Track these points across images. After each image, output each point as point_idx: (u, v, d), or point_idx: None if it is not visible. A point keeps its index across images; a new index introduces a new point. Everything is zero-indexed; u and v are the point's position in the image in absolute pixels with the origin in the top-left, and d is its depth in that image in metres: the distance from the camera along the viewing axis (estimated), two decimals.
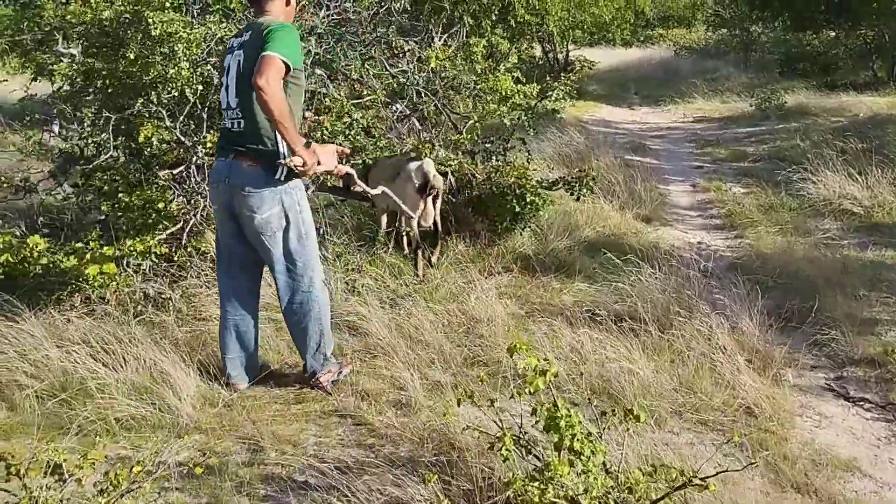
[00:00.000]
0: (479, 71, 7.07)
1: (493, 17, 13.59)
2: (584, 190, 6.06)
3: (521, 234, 5.99)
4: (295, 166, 3.64)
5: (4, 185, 5.54)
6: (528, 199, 5.74)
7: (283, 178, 3.72)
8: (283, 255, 3.86)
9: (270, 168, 3.70)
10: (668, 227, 7.29)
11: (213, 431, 3.68)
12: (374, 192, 4.67)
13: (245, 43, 3.72)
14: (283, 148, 3.66)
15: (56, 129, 7.28)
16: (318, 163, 3.74)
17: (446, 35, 10.38)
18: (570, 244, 6.09)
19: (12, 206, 6.06)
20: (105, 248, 4.77)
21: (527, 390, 2.78)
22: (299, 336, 4.04)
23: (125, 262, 4.81)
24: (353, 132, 5.19)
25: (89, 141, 5.90)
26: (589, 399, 3.27)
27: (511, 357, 2.87)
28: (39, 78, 6.39)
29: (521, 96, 7.79)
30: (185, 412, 3.77)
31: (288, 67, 3.50)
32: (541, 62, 21.35)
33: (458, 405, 2.94)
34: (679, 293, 4.96)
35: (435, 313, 4.80)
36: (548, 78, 16.00)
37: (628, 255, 5.55)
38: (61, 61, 5.66)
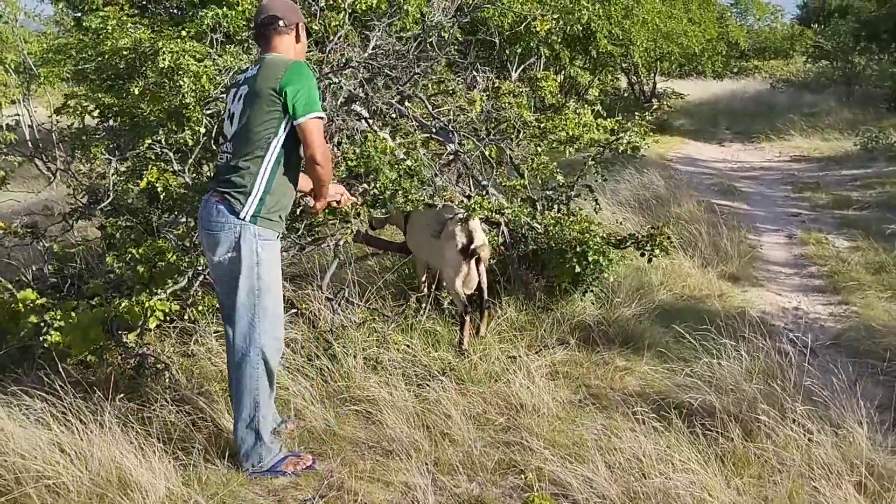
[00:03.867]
0: (547, 106, 6.30)
1: (573, 48, 12.84)
2: (658, 250, 5.18)
3: (581, 299, 5.16)
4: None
5: (9, 232, 5.05)
6: (590, 259, 4.91)
7: (247, 218, 3.38)
8: (232, 305, 3.46)
9: (235, 204, 3.39)
10: (758, 289, 6.34)
11: None
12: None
13: (249, 79, 3.47)
14: (257, 187, 3.40)
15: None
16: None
17: (521, 68, 9.64)
18: (639, 310, 5.22)
19: (26, 252, 5.59)
20: (95, 310, 4.19)
21: None
22: (234, 398, 3.58)
23: (115, 328, 4.21)
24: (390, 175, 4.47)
25: (107, 182, 5.42)
26: None
27: None
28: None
29: (601, 130, 7.01)
30: None
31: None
32: (626, 94, 20.45)
33: None
34: (769, 383, 4.04)
35: (469, 399, 4.02)
36: (636, 115, 15.11)
37: (709, 324, 4.67)
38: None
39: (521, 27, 5.76)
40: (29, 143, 10.31)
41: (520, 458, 3.60)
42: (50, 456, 3.38)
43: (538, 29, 5.60)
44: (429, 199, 4.61)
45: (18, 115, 8.58)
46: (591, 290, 5.18)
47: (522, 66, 10.13)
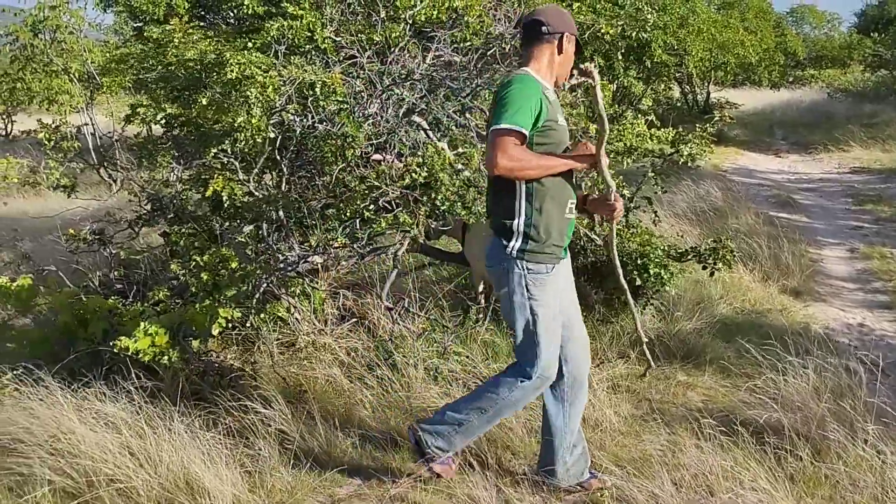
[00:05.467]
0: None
1: (628, 57, 12.73)
2: (721, 264, 5.10)
3: (641, 312, 5.10)
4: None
5: (78, 238, 5.18)
6: (651, 272, 4.86)
7: (514, 253, 3.19)
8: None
9: (503, 238, 3.23)
10: (821, 304, 6.20)
11: None
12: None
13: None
14: (520, 217, 3.17)
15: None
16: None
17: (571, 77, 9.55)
18: (700, 324, 5.15)
19: (93, 258, 5.73)
20: (163, 316, 4.28)
21: None
22: (479, 390, 3.46)
23: (181, 333, 4.28)
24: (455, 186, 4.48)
25: (172, 190, 5.53)
26: None
27: None
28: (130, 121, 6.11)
29: (655, 141, 6.94)
30: None
31: (520, 133, 3.03)
32: (678, 104, 20.23)
33: None
34: (838, 402, 3.94)
35: (529, 412, 4.00)
36: (697, 127, 14.93)
37: (771, 339, 4.58)
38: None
39: (586, 34, 5.69)
40: (91, 150, 10.56)
41: None
42: (121, 460, 3.44)
43: (604, 32, 5.54)
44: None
45: (86, 123, 8.82)
46: (652, 304, 5.12)
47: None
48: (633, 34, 6.26)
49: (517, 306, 3.22)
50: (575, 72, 3.16)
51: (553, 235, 3.19)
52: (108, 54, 10.97)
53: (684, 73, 16.25)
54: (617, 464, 3.59)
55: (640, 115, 9.24)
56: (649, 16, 6.16)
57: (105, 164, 10.16)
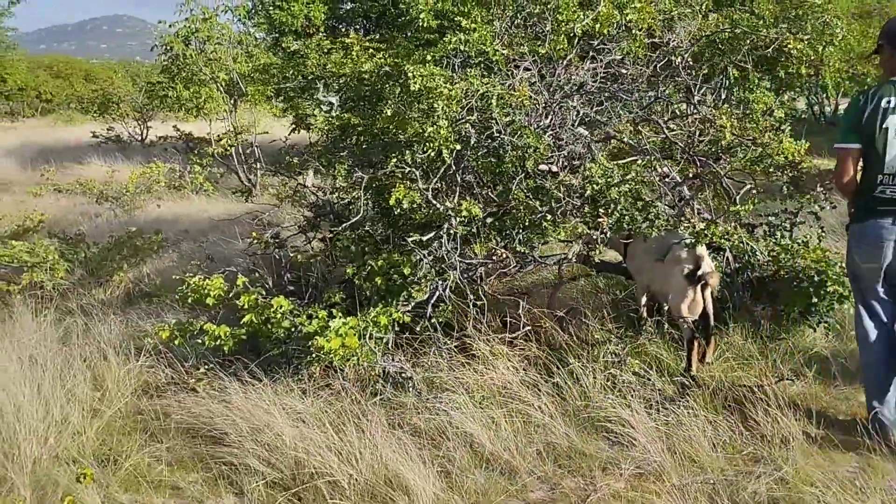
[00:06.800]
0: (761, 131, 6.14)
1: (759, 67, 12.43)
2: None
3: (813, 329, 4.99)
4: None
5: (256, 241, 5.44)
6: (829, 289, 4.76)
7: None
8: None
9: None
10: None
11: None
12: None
13: None
14: None
15: (310, 180, 7.27)
16: None
17: (703, 88, 9.46)
18: None
19: (263, 259, 5.99)
20: (349, 319, 4.45)
21: None
22: None
23: (367, 335, 4.44)
24: (624, 202, 4.50)
25: (340, 196, 5.74)
26: None
27: None
28: (298, 129, 6.38)
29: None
30: None
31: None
32: (803, 116, 19.59)
33: None
34: None
35: (713, 426, 3.98)
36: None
37: None
38: (321, 110, 5.53)
39: (770, 50, 5.62)
40: (233, 156, 10.99)
41: (777, 489, 3.53)
42: (326, 455, 3.61)
43: (791, 47, 5.46)
44: (666, 224, 4.58)
45: (246, 131, 9.21)
46: (825, 321, 5.00)
47: (704, 88, 9.93)
48: (821, 49, 6.13)
49: None
50: None
51: None
52: (251, 65, 11.45)
53: (815, 84, 15.72)
54: (811, 484, 3.54)
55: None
56: (837, 30, 6.02)
57: (246, 168, 10.62)
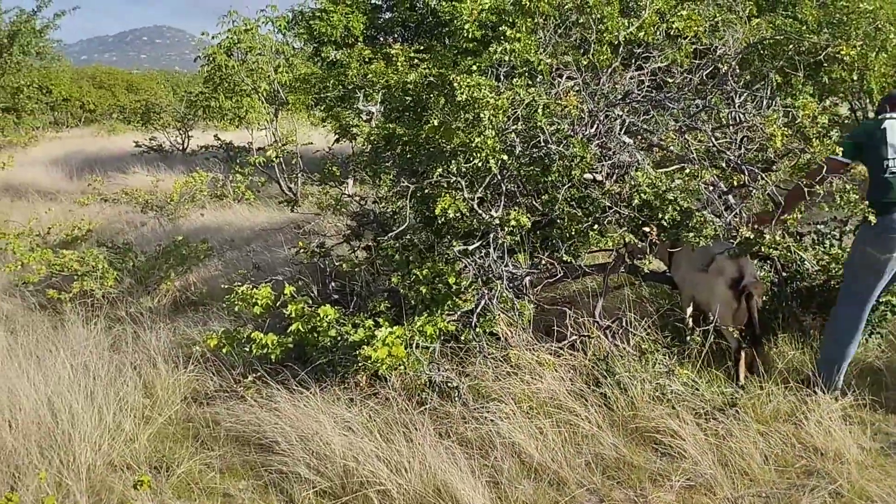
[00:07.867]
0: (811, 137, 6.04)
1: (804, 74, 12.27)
2: None
3: (865, 340, 4.91)
4: None
5: (303, 251, 5.49)
6: (881, 300, 4.68)
7: None
8: None
9: None
10: None
11: None
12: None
13: None
14: None
15: (350, 189, 7.32)
16: None
17: (745, 94, 9.39)
18: None
19: (307, 268, 6.05)
20: (395, 328, 4.47)
21: None
22: None
23: (413, 344, 4.46)
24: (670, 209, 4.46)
25: (385, 206, 5.76)
26: None
27: None
28: (341, 138, 6.43)
29: None
30: None
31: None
32: (845, 121, 19.28)
33: None
34: None
35: (764, 438, 3.93)
36: None
37: None
38: (361, 119, 5.57)
39: (821, 56, 5.55)
40: (274, 165, 11.09)
41: None
42: (376, 464, 3.63)
43: (843, 53, 5.40)
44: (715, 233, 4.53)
45: (288, 141, 9.30)
46: (878, 332, 4.92)
47: (746, 94, 9.83)
48: (872, 55, 6.05)
49: None
50: None
51: None
52: (292, 75, 11.57)
53: (859, 89, 15.48)
54: (867, 498, 3.49)
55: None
56: (891, 35, 5.94)
57: (287, 177, 10.71)
